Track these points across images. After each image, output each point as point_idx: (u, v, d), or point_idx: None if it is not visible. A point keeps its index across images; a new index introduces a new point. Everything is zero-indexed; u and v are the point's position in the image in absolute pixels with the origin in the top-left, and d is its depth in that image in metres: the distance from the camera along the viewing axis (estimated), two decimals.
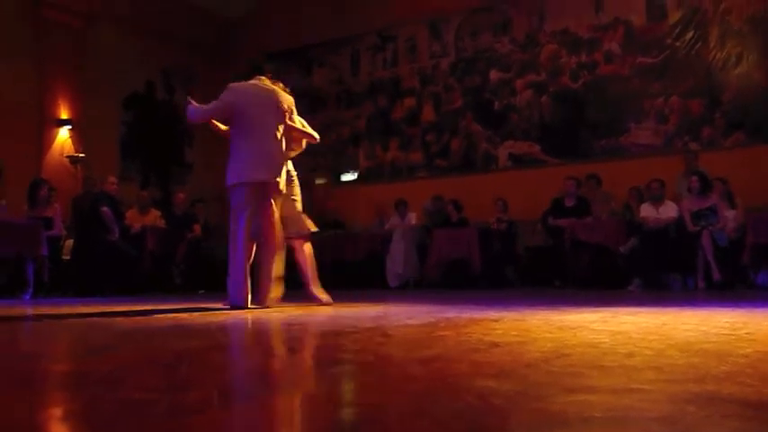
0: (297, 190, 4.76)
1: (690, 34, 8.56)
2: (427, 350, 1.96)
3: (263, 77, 4.44)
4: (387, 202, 9.40)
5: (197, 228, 8.63)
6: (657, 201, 7.31)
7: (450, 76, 10.21)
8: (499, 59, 9.84)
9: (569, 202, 7.90)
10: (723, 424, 0.97)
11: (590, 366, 1.55)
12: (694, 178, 7.07)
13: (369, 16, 10.66)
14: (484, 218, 8.62)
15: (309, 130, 4.69)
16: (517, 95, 9.66)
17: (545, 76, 9.48)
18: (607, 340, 2.08)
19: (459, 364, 1.65)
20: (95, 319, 3.51)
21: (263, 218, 4.29)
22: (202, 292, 7.85)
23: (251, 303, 4.17)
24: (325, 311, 3.87)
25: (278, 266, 4.37)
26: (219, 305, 4.32)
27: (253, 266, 4.32)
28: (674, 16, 8.68)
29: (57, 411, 1.18)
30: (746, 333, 2.28)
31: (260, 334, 2.79)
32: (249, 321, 3.27)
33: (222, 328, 2.90)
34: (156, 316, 3.56)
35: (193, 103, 4.41)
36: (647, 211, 7.31)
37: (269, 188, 4.30)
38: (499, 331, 2.40)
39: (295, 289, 4.72)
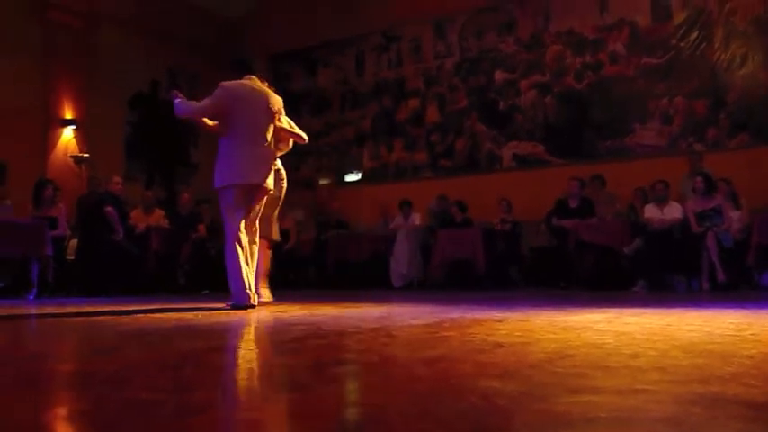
0: (284, 188, 4.90)
1: (695, 35, 8.54)
2: (431, 350, 1.96)
3: (253, 77, 4.46)
4: (391, 203, 9.40)
5: (202, 228, 8.64)
6: (662, 202, 7.29)
7: (454, 77, 10.21)
8: (504, 60, 9.84)
9: (573, 203, 7.88)
10: (728, 425, 0.97)
11: (594, 367, 1.55)
12: (699, 179, 7.05)
13: (373, 16, 10.66)
14: (488, 218, 8.62)
15: (297, 130, 4.75)
16: (522, 96, 9.65)
17: (550, 76, 9.47)
18: (611, 341, 2.08)
19: (463, 364, 1.65)
20: (100, 318, 3.52)
21: (252, 218, 4.37)
22: (206, 292, 7.85)
23: (251, 302, 4.19)
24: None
25: (266, 262, 4.47)
26: (222, 305, 4.33)
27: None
28: (679, 17, 8.66)
29: (62, 411, 1.18)
30: (751, 334, 2.27)
31: (264, 334, 2.80)
32: (253, 322, 3.27)
33: (226, 329, 2.90)
34: (160, 316, 3.57)
35: (180, 96, 4.41)
36: (651, 211, 7.30)
37: (259, 190, 4.34)
38: (503, 332, 2.40)
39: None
